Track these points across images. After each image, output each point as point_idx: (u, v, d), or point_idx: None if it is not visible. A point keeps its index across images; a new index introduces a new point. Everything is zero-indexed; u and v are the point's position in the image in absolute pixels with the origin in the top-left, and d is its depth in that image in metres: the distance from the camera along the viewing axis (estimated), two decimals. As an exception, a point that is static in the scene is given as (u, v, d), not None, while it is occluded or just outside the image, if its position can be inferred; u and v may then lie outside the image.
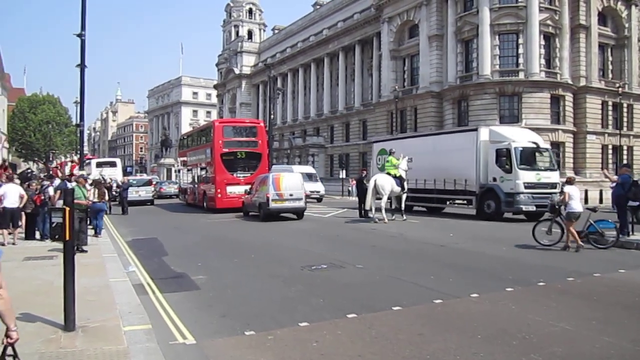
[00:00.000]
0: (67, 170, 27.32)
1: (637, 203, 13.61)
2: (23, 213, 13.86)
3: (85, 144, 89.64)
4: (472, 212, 20.84)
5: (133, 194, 29.88)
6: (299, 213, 20.90)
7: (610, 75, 44.95)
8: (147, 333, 5.65)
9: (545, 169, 19.38)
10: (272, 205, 19.97)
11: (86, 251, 11.37)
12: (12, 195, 13.03)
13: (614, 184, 14.14)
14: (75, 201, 11.95)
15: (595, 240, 12.24)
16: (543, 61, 41.23)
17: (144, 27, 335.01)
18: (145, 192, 33.25)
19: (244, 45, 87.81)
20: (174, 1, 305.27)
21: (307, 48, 69.14)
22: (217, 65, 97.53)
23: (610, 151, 43.09)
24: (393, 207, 20.50)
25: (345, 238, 15.13)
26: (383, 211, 18.85)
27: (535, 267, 9.96)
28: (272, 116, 39.74)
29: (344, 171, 46.78)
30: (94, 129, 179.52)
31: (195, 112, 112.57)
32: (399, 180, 19.58)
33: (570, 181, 12.66)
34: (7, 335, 3.37)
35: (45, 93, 78.70)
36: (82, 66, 15.86)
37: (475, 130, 20.73)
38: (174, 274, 9.78)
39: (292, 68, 73.37)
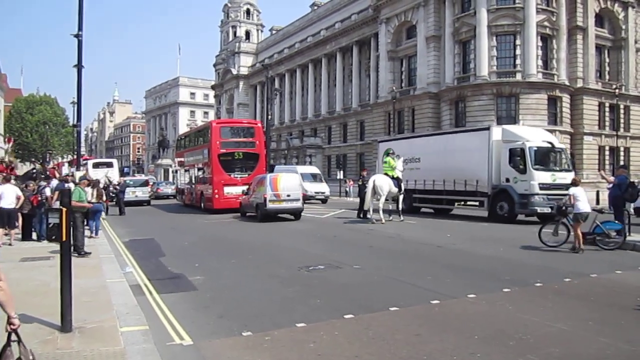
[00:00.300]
0: (66, 171, 27.23)
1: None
2: (20, 214, 13.83)
3: (83, 144, 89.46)
4: (482, 213, 20.41)
5: (130, 194, 29.83)
6: (296, 214, 20.90)
7: (607, 77, 45.09)
8: (144, 334, 5.64)
9: (561, 170, 18.67)
10: (270, 205, 19.97)
11: (90, 253, 11.33)
12: (9, 195, 12.99)
13: (611, 185, 14.16)
14: (79, 204, 11.97)
15: (601, 241, 12.18)
16: (540, 62, 41.33)
17: (142, 27, 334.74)
18: (142, 193, 33.26)
19: (241, 46, 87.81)
20: (171, 2, 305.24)
21: (304, 49, 69.19)
22: (214, 65, 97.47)
23: (607, 152, 43.21)
24: (390, 207, 20.51)
25: (342, 238, 15.13)
26: (381, 212, 18.87)
27: (532, 267, 9.98)
28: (269, 117, 39.68)
29: (342, 172, 46.79)
30: (91, 129, 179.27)
31: (192, 112, 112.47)
32: (397, 181, 19.63)
33: (575, 182, 12.64)
34: (10, 323, 3.63)
35: (42, 93, 78.80)
36: (79, 66, 15.85)
37: (488, 129, 20.14)
38: (171, 275, 9.77)
39: (289, 69, 73.41)
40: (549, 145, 18.95)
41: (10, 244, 12.90)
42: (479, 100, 41.60)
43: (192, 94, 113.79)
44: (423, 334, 5.88)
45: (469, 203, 21.89)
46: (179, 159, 35.75)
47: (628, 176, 14.35)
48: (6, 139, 35.31)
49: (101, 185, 22.26)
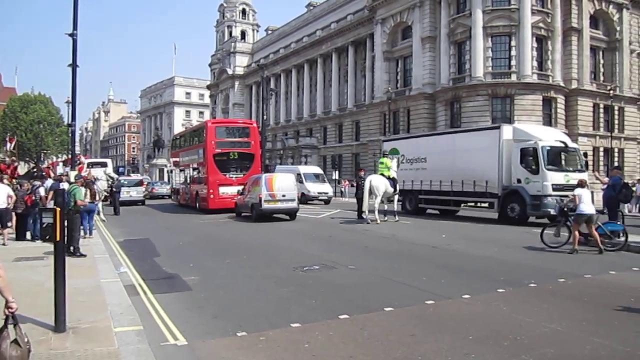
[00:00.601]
0: (60, 171, 27.05)
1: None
2: (14, 213, 13.76)
3: (77, 144, 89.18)
4: (490, 215, 20.07)
5: (124, 194, 29.77)
6: (291, 214, 20.88)
7: (601, 78, 45.29)
8: (138, 334, 5.63)
9: (574, 170, 17.88)
10: (265, 205, 19.95)
11: (85, 255, 11.24)
12: (1, 195, 12.92)
13: (605, 186, 14.22)
14: (80, 203, 11.93)
15: (603, 242, 12.08)
16: (535, 63, 41.49)
17: (137, 27, 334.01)
18: (136, 193, 33.23)
19: (237, 46, 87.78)
20: (167, 1, 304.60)
21: (300, 49, 69.22)
22: (210, 65, 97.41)
23: (601, 153, 43.38)
24: (386, 208, 20.51)
25: (338, 239, 15.12)
26: (376, 212, 18.88)
27: (527, 268, 10.00)
28: (265, 117, 39.68)
29: (337, 172, 46.80)
30: (86, 129, 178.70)
31: (188, 112, 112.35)
32: (392, 181, 19.65)
33: (581, 184, 12.57)
34: (8, 307, 3.93)
35: (37, 93, 78.38)
36: (73, 66, 15.76)
37: (498, 128, 19.45)
38: (165, 275, 9.74)
39: (285, 69, 73.42)
40: (562, 145, 18.39)
41: (3, 244, 12.83)
42: (474, 101, 41.72)
43: (188, 93, 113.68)
44: (418, 335, 5.88)
45: (477, 205, 21.44)
46: (174, 159, 35.67)
47: (622, 177, 14.41)
48: (7, 139, 35.20)
49: (105, 184, 22.28)
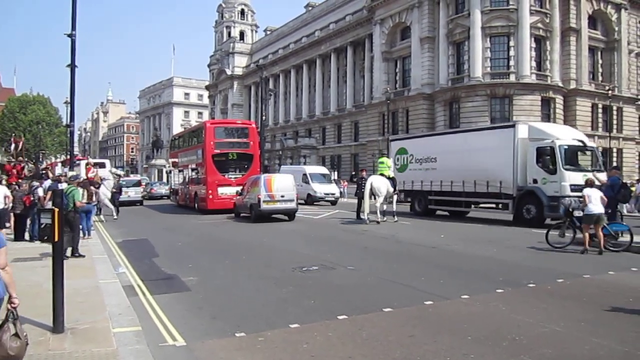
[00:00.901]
0: (59, 171, 27.02)
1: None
2: (12, 214, 13.73)
3: (76, 144, 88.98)
4: (501, 216, 19.49)
5: (122, 194, 29.78)
6: (290, 214, 20.87)
7: (600, 78, 45.39)
8: (136, 335, 5.62)
9: (593, 170, 16.77)
10: (264, 206, 19.94)
11: (84, 256, 11.21)
12: None
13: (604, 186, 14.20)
14: (78, 204, 11.90)
15: (608, 242, 12.06)
16: (534, 64, 41.58)
17: (136, 27, 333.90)
18: (134, 193, 33.29)
19: (235, 46, 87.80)
20: (165, 2, 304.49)
21: (299, 49, 69.26)
22: (209, 66, 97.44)
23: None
24: (385, 208, 20.48)
25: (336, 239, 15.11)
26: (379, 212, 18.83)
27: (526, 268, 10.00)
28: (263, 117, 39.62)
29: (336, 172, 46.80)
30: (85, 129, 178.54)
31: (186, 112, 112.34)
32: (392, 181, 19.65)
33: (589, 183, 12.53)
34: (11, 302, 4.22)
35: (36, 93, 78.29)
36: (72, 66, 15.74)
37: (513, 126, 18.79)
38: (164, 276, 9.73)
39: (284, 69, 73.46)
40: (581, 144, 17.70)
41: (1, 245, 12.77)
42: (473, 101, 41.78)
43: (187, 94, 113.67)
44: (417, 335, 5.88)
45: (488, 206, 20.74)
46: (173, 160, 35.66)
47: (620, 177, 14.37)
48: (13, 140, 35.28)
49: (111, 183, 22.27)
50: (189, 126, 76.28)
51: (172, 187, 36.02)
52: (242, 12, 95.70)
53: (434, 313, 6.87)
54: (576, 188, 16.04)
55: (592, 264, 10.41)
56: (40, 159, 69.98)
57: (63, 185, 13.04)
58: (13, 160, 25.66)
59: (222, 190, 24.62)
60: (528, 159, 17.86)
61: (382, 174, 19.68)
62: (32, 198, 14.19)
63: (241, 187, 22.72)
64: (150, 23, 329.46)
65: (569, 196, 15.87)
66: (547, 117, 41.07)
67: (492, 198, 19.59)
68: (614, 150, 43.61)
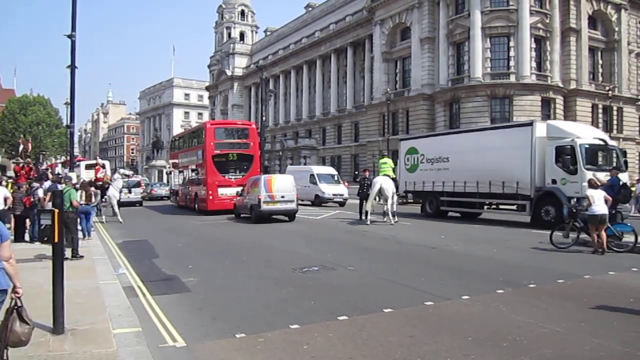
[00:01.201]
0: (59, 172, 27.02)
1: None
2: (12, 215, 13.72)
3: (76, 145, 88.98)
4: (516, 218, 18.90)
5: (122, 195, 29.82)
6: (290, 215, 20.87)
7: (600, 79, 45.39)
8: (136, 336, 5.61)
9: (613, 170, 15.82)
10: (264, 207, 19.93)
11: (82, 256, 11.17)
12: None
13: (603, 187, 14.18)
14: (75, 203, 11.88)
15: (612, 243, 12.01)
16: (534, 64, 41.58)
17: (136, 28, 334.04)
18: (134, 194, 33.36)
19: (236, 47, 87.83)
20: (166, 3, 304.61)
21: (299, 50, 69.28)
22: (209, 66, 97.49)
23: (600, 154, 43.34)
24: (384, 208, 20.46)
25: (337, 240, 15.11)
26: (390, 214, 18.78)
27: (526, 268, 10.00)
28: (264, 118, 39.63)
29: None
30: (85, 130, 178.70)
31: (186, 113, 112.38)
32: (394, 181, 19.67)
33: (593, 185, 12.51)
34: (15, 292, 4.51)
35: (36, 94, 78.24)
36: (72, 67, 15.79)
37: (530, 125, 18.00)
38: (164, 277, 9.72)
39: (284, 70, 73.46)
40: (602, 143, 17.13)
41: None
42: (473, 102, 41.78)
43: (187, 95, 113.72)
44: (417, 336, 5.87)
45: (502, 207, 20.10)
46: (173, 160, 35.67)
47: (620, 178, 14.36)
48: (20, 141, 35.42)
49: (121, 182, 22.28)
50: (189, 127, 76.27)
51: (172, 188, 36.03)
52: (242, 12, 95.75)
53: (434, 313, 6.87)
54: None
55: (592, 265, 10.41)
56: (41, 160, 70.01)
57: (62, 186, 13.05)
58: (22, 161, 25.75)
59: (222, 191, 24.62)
60: (547, 159, 17.20)
61: (386, 175, 19.55)
62: (32, 199, 14.18)
63: (241, 188, 22.72)
64: (151, 24, 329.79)
65: None
66: (547, 117, 40.97)
67: (508, 199, 18.88)
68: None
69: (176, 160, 33.91)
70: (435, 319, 6.63)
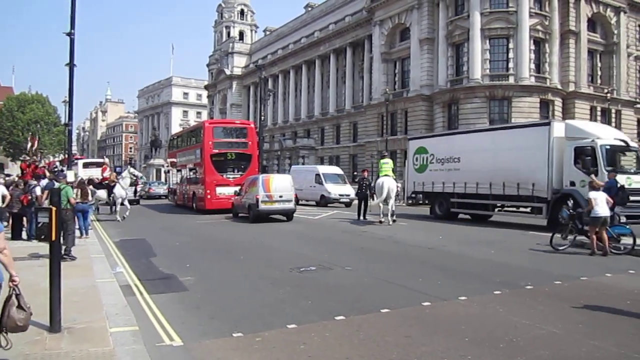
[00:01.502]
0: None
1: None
2: (9, 213, 13.69)
3: (74, 143, 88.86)
4: (529, 220, 18.33)
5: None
6: (288, 215, 20.87)
7: (599, 81, 45.45)
8: (133, 335, 5.61)
9: (636, 172, 15.82)
10: (262, 206, 19.94)
11: (75, 258, 10.94)
12: None
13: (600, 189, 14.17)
14: (72, 201, 11.79)
15: (610, 245, 11.94)
16: (533, 66, 41.61)
17: (135, 26, 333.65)
18: (131, 192, 33.25)
19: (235, 46, 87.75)
20: (165, 1, 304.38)
21: (298, 50, 69.23)
22: (208, 65, 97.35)
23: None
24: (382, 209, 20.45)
25: (334, 240, 15.11)
26: (389, 214, 18.78)
27: (523, 270, 10.00)
28: (262, 117, 39.58)
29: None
30: (83, 128, 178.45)
31: (185, 112, 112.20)
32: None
33: (595, 186, 12.47)
34: (12, 280, 4.69)
35: (34, 92, 78.19)
36: (71, 65, 15.75)
37: (548, 124, 17.42)
38: (162, 275, 9.72)
39: (283, 69, 73.41)
40: (623, 144, 16.41)
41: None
42: (472, 103, 41.80)
43: (185, 94, 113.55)
44: (414, 336, 5.88)
45: (514, 209, 19.50)
46: (172, 159, 35.66)
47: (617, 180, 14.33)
48: (29, 139, 35.45)
49: (128, 181, 22.25)
50: (188, 126, 76.25)
51: (170, 186, 36.00)
52: (242, 12, 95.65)
53: (431, 314, 6.87)
54: None
55: (589, 267, 10.42)
56: (39, 158, 69.87)
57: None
58: (28, 158, 25.77)
59: (220, 190, 24.63)
60: (565, 160, 16.50)
61: (386, 175, 19.44)
62: (29, 197, 14.16)
63: (239, 187, 22.71)
64: (150, 22, 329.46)
65: None
66: (545, 119, 41.01)
67: (524, 201, 18.18)
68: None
69: (174, 159, 33.89)
70: (432, 319, 6.64)
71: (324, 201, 29.91)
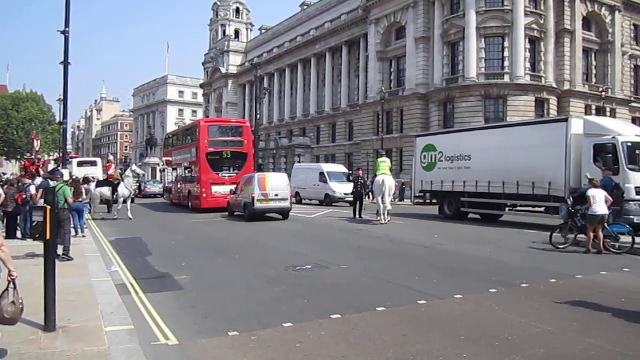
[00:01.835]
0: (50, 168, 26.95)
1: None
2: (2, 212, 13.63)
3: (69, 142, 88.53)
4: (543, 220, 17.57)
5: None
6: (284, 213, 20.86)
7: (593, 80, 45.60)
8: (128, 333, 5.59)
9: None
10: (257, 205, 19.91)
11: (72, 258, 10.88)
12: None
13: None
14: (70, 200, 11.72)
15: (608, 244, 11.96)
16: (528, 64, 41.71)
17: (130, 25, 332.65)
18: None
19: (230, 45, 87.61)
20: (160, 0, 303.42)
21: (293, 48, 69.17)
22: (203, 64, 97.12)
23: (593, 154, 43.53)
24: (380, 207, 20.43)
25: (330, 239, 15.12)
26: (387, 212, 18.71)
27: (519, 268, 10.03)
28: (258, 116, 39.53)
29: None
30: (78, 127, 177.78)
31: (180, 111, 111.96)
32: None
33: (594, 184, 12.47)
34: (10, 274, 4.86)
35: (29, 90, 77.80)
36: (65, 63, 15.71)
37: (565, 120, 16.67)
38: (157, 274, 9.70)
39: (278, 68, 73.32)
40: None
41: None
42: (467, 102, 41.85)
43: (181, 92, 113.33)
44: (409, 334, 5.88)
45: (526, 209, 18.92)
46: (167, 158, 35.55)
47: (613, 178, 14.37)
48: (34, 137, 35.33)
49: (132, 180, 22.17)
50: (183, 124, 76.07)
51: (166, 185, 35.92)
52: (237, 10, 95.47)
53: (427, 312, 6.88)
54: None
55: (585, 265, 10.45)
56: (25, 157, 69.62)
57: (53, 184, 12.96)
58: (33, 157, 25.72)
59: (215, 188, 24.61)
60: (583, 158, 15.80)
61: (383, 174, 19.30)
62: (24, 196, 14.09)
63: (235, 186, 22.68)
64: (145, 21, 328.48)
65: (634, 200, 14.36)
66: (540, 117, 41.15)
67: (539, 201, 17.55)
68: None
69: (170, 158, 33.82)
70: (428, 317, 6.64)
71: (328, 200, 29.35)
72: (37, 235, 6.25)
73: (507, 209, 19.22)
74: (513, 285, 8.41)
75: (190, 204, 26.60)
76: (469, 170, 19.70)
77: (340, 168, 33.75)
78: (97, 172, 33.69)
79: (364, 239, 14.65)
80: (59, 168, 18.13)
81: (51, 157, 56.99)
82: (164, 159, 39.66)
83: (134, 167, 24.10)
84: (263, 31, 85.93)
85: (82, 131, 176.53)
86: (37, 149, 32.17)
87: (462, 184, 19.92)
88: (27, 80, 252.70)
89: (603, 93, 40.72)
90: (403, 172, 44.04)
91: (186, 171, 28.89)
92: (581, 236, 12.55)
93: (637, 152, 15.19)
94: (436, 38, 44.92)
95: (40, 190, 13.05)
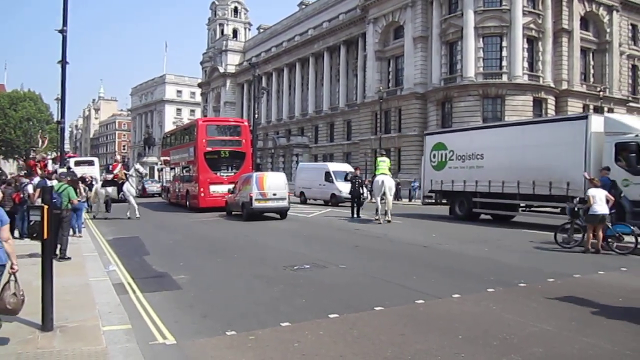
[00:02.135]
0: (50, 168, 26.85)
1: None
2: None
3: (67, 141, 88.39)
4: (557, 221, 16.02)
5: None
6: (282, 213, 20.85)
7: (591, 79, 45.65)
8: (126, 333, 5.58)
9: None
10: (255, 204, 19.90)
11: (69, 258, 10.84)
12: None
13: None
14: (75, 201, 11.68)
15: (612, 244, 11.92)
16: (526, 64, 41.73)
17: (128, 24, 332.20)
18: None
19: (228, 44, 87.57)
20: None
21: (292, 48, 69.14)
22: (201, 63, 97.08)
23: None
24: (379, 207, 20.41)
25: (328, 238, 15.12)
26: (389, 212, 18.71)
27: (517, 268, 10.04)
28: (256, 115, 39.45)
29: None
30: (76, 126, 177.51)
31: (179, 110, 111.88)
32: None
33: (594, 183, 12.48)
34: (12, 268, 5.09)
35: (27, 89, 77.75)
36: (63, 62, 15.68)
37: (585, 118, 16.16)
38: (155, 274, 9.68)
39: (277, 67, 73.29)
40: None
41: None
42: (465, 101, 41.85)
43: (179, 91, 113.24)
44: (408, 334, 5.88)
45: (540, 209, 18.40)
46: (165, 157, 35.54)
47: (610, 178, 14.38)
48: (40, 137, 35.30)
49: (135, 179, 22.14)
50: (181, 124, 76.04)
51: (164, 184, 35.87)
52: (236, 9, 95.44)
53: (425, 312, 6.88)
54: None
55: (583, 264, 10.47)
56: (31, 156, 69.46)
57: (53, 182, 12.93)
58: (39, 156, 25.68)
59: (213, 188, 24.59)
60: (604, 157, 15.11)
61: (383, 173, 19.24)
62: (21, 195, 14.06)
63: (233, 185, 22.67)
64: (143, 20, 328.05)
65: None
66: (539, 117, 41.17)
67: (556, 201, 16.88)
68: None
69: (168, 157, 33.79)
70: (426, 317, 6.64)
71: (334, 200, 28.78)
72: (34, 235, 6.20)
73: (520, 209, 18.82)
74: (511, 285, 8.41)
75: (188, 203, 26.58)
76: (482, 169, 19.19)
77: (347, 167, 32.84)
78: (94, 171, 33.64)
79: (363, 239, 14.64)
80: (71, 169, 18.11)
81: (49, 157, 56.95)
82: (162, 158, 39.70)
83: (137, 166, 24.05)
84: (261, 31, 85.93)
85: (80, 130, 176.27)
86: (41, 148, 32.09)
87: (475, 184, 19.43)
88: (25, 80, 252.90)
89: (601, 93, 40.77)
90: (401, 171, 44.06)
91: (184, 171, 28.85)
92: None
93: None
94: (434, 38, 44.92)
95: (38, 190, 13.03)
